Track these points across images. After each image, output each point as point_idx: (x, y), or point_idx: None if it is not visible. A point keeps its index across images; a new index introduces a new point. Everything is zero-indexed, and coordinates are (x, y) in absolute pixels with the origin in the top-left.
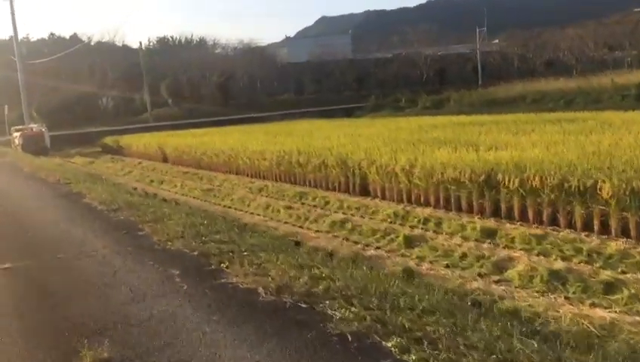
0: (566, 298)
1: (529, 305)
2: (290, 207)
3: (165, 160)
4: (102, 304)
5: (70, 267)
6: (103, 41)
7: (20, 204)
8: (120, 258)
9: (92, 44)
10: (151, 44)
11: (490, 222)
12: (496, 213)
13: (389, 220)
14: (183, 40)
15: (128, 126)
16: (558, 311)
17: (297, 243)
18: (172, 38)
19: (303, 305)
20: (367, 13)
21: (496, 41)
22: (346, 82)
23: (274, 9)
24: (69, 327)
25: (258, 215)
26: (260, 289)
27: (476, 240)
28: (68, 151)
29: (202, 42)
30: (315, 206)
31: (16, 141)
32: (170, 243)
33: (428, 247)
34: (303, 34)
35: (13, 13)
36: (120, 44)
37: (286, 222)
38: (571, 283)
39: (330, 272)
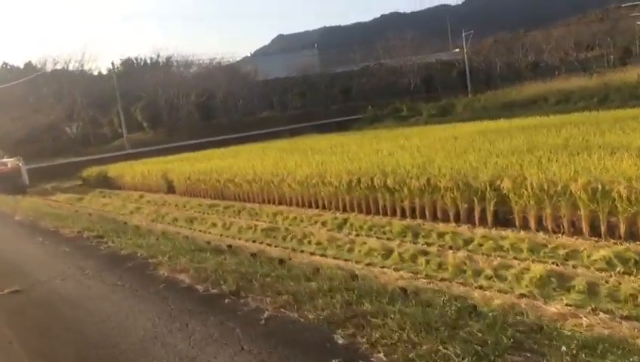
0: None
1: None
2: (424, 253)
3: (171, 190)
4: None
5: None
6: (68, 68)
7: (63, 296)
8: None
9: (49, 70)
10: (115, 67)
11: None
12: None
13: (621, 270)
14: (148, 61)
15: (103, 155)
16: None
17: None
18: (136, 59)
19: None
20: (324, 29)
21: (457, 50)
22: (331, 95)
23: (229, 29)
24: None
25: (384, 267)
26: None
27: None
28: (42, 186)
29: (169, 62)
30: (454, 248)
31: None
32: None
33: None
34: (262, 52)
35: None
36: (85, 69)
37: (448, 280)
38: None
39: None
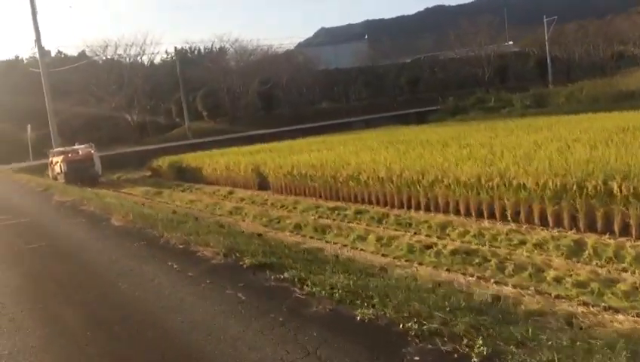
0: None
1: None
2: None
3: (263, 186)
4: None
5: None
6: (130, 53)
7: None
8: None
9: (109, 56)
10: (170, 56)
11: None
12: None
13: None
14: (202, 50)
15: (165, 144)
16: None
17: None
18: (190, 48)
19: None
20: (367, 22)
21: (511, 42)
22: (399, 85)
23: (274, 22)
24: None
25: None
26: None
27: None
28: (109, 177)
29: (222, 50)
30: None
31: (57, 168)
32: None
33: None
34: (305, 44)
35: (35, 14)
36: (145, 55)
37: None
38: None
39: None
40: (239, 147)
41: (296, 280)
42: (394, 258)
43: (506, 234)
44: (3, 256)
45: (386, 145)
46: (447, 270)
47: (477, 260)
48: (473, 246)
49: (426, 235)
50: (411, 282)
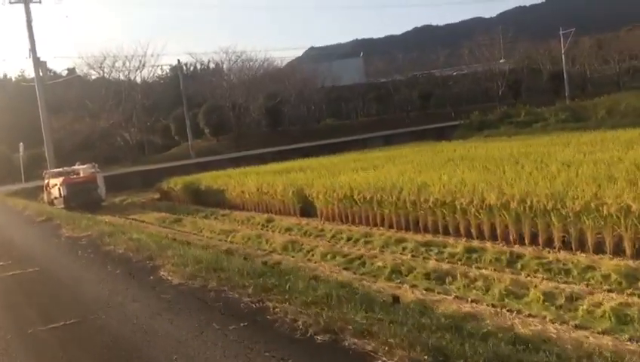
0: None
1: None
2: None
3: (307, 212)
4: None
5: None
6: (129, 65)
7: None
8: None
9: (106, 70)
10: (164, 72)
11: None
12: None
13: None
14: (204, 64)
15: (169, 163)
16: None
17: None
18: (186, 65)
19: None
20: (355, 41)
21: (502, 60)
22: (411, 101)
23: (266, 40)
24: None
25: None
26: None
27: None
28: (111, 200)
29: (217, 69)
30: None
31: (55, 191)
32: None
33: None
34: (295, 63)
35: (29, 21)
36: (146, 69)
37: None
38: None
39: None
40: (257, 166)
41: None
42: (600, 332)
43: None
44: (6, 349)
45: (447, 162)
46: None
47: None
48: None
49: (607, 290)
50: None
